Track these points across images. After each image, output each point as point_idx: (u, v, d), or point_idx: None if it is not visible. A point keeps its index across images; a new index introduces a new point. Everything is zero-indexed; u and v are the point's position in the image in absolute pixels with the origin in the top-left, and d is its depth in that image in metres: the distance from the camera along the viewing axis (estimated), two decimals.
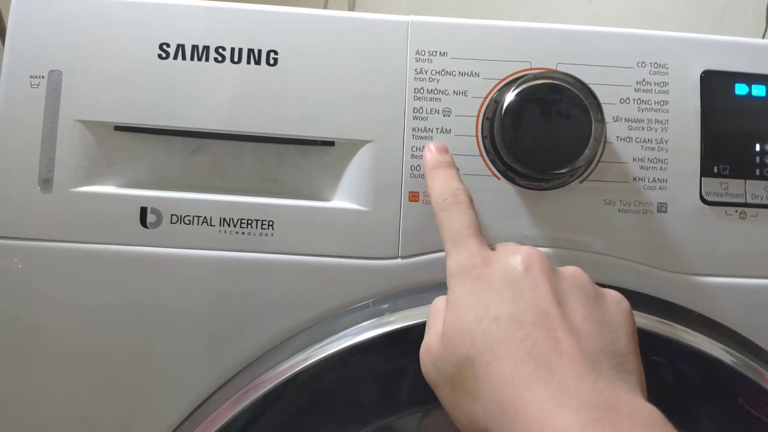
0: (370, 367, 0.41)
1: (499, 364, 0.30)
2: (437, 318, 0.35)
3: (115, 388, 0.41)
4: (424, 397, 0.39)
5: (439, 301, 0.36)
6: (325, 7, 1.18)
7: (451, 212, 0.37)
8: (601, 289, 0.35)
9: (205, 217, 0.41)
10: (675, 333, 0.42)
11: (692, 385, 0.44)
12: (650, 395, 0.32)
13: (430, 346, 0.35)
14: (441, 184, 0.39)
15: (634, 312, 0.41)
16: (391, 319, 0.41)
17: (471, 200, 0.38)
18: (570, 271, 0.35)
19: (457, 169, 0.40)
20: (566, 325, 0.31)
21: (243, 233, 0.41)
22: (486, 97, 0.42)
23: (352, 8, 1.17)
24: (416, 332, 0.39)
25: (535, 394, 0.28)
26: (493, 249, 0.36)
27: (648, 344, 0.41)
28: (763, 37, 1.25)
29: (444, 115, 0.42)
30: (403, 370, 0.41)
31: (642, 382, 0.31)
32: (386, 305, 0.42)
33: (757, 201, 0.42)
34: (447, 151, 0.41)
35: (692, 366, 0.43)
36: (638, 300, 0.41)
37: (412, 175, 0.42)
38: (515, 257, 0.34)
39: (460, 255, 0.35)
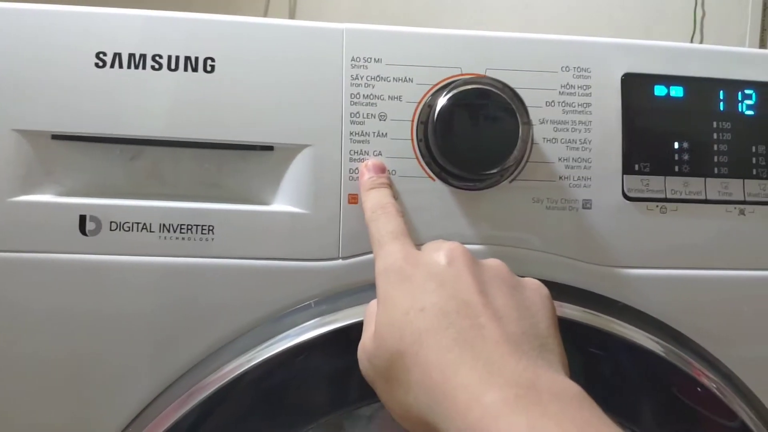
0: (313, 366, 0.42)
1: (427, 353, 0.32)
2: (372, 318, 0.37)
3: (58, 396, 0.41)
4: (366, 393, 0.41)
5: (373, 304, 0.38)
6: (265, 15, 1.19)
7: (379, 221, 0.39)
8: (521, 278, 0.37)
9: (144, 224, 0.41)
10: (607, 324, 0.44)
11: (627, 375, 0.46)
12: (588, 387, 0.34)
13: (365, 344, 0.36)
14: (373, 200, 0.41)
15: (567, 304, 0.43)
16: (333, 318, 0.42)
17: (399, 211, 0.40)
18: (491, 263, 0.37)
19: (392, 187, 0.42)
20: (489, 312, 0.33)
21: (183, 238, 0.41)
22: (420, 102, 0.44)
23: (292, 15, 1.18)
24: (357, 330, 0.41)
25: (461, 377, 0.30)
26: (419, 249, 0.38)
27: (583, 336, 0.43)
28: (691, 41, 1.31)
29: (380, 120, 0.43)
30: (345, 367, 0.42)
31: (564, 361, 0.33)
32: (327, 306, 0.43)
33: (677, 196, 0.45)
34: (383, 170, 0.43)
35: (625, 357, 0.45)
36: (566, 292, 0.43)
37: (350, 178, 0.43)
38: (438, 253, 0.36)
39: (386, 255, 0.37)
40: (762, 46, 1.39)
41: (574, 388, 0.30)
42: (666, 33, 1.29)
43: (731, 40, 1.37)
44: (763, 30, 1.44)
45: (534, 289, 0.36)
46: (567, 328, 0.43)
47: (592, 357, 0.45)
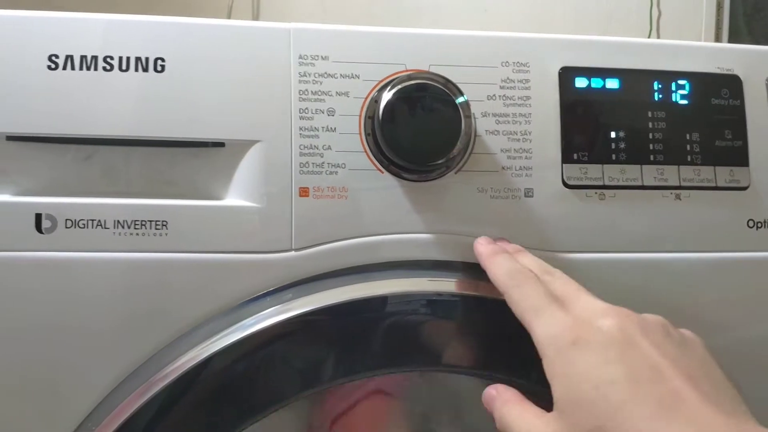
0: (270, 353, 0.44)
1: (633, 424, 0.30)
2: (523, 404, 0.36)
3: (13, 394, 0.42)
4: (314, 378, 0.42)
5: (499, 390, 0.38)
6: (229, 17, 1.20)
7: (523, 287, 0.39)
8: (679, 330, 0.36)
9: (99, 220, 0.42)
10: None
11: None
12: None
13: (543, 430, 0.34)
14: (504, 266, 0.41)
15: None
16: (288, 306, 0.43)
17: (538, 276, 0.39)
18: (654, 320, 0.36)
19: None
20: (680, 374, 0.32)
21: (137, 234, 0.42)
22: (366, 98, 0.45)
23: (256, 18, 1.19)
24: (314, 317, 0.42)
25: None
26: (572, 309, 0.37)
27: None
28: (648, 37, 1.35)
29: (329, 115, 0.45)
30: (301, 353, 0.44)
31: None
32: (283, 295, 0.44)
33: (614, 183, 0.47)
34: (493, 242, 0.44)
35: None
36: None
37: (301, 172, 0.44)
38: (605, 319, 0.35)
39: (546, 323, 0.36)
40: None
41: None
42: (623, 33, 1.33)
43: (687, 38, 1.41)
44: (718, 29, 1.48)
45: (695, 340, 0.36)
46: None
47: None
